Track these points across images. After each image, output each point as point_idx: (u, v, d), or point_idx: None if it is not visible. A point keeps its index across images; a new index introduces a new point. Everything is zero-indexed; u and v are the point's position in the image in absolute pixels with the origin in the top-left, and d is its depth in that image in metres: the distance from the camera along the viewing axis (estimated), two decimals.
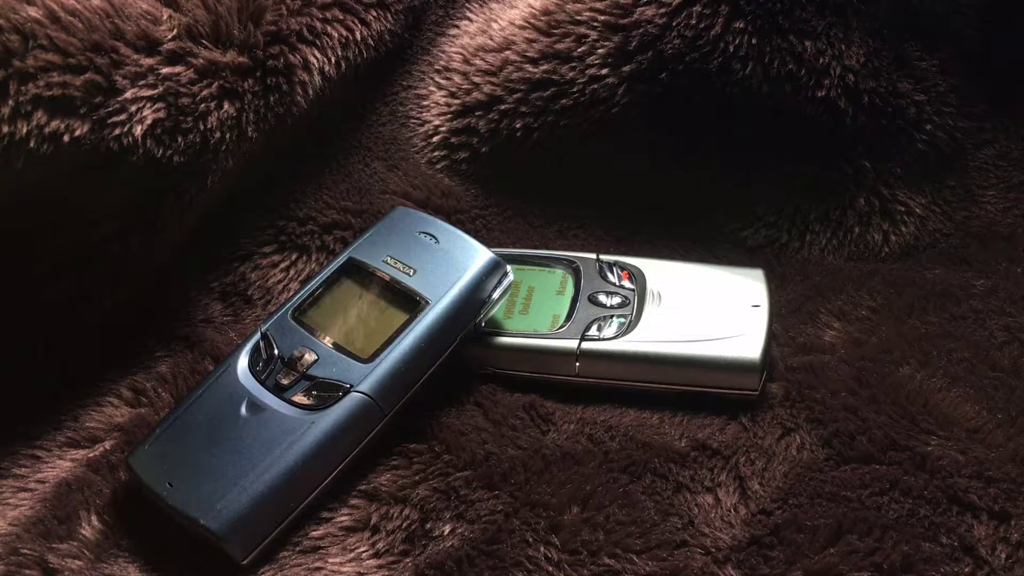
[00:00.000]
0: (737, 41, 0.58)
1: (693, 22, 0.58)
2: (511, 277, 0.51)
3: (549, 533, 0.44)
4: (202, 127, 0.50)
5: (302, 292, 0.51)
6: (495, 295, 0.50)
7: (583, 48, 0.60)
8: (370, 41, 0.59)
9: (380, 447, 0.48)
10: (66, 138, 0.46)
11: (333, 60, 0.56)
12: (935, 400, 0.50)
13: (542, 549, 0.44)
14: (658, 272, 0.55)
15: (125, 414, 0.51)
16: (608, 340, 0.51)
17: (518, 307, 0.53)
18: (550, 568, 0.43)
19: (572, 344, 0.51)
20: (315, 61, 0.55)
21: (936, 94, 0.61)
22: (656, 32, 0.58)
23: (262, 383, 0.47)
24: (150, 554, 0.45)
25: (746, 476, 0.47)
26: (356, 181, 0.61)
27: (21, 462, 0.49)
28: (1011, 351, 0.53)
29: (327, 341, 0.48)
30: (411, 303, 0.49)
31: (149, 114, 0.48)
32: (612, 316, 0.52)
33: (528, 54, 0.61)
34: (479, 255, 0.50)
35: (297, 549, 0.45)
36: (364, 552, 0.45)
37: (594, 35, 0.59)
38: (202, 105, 0.50)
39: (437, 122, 0.64)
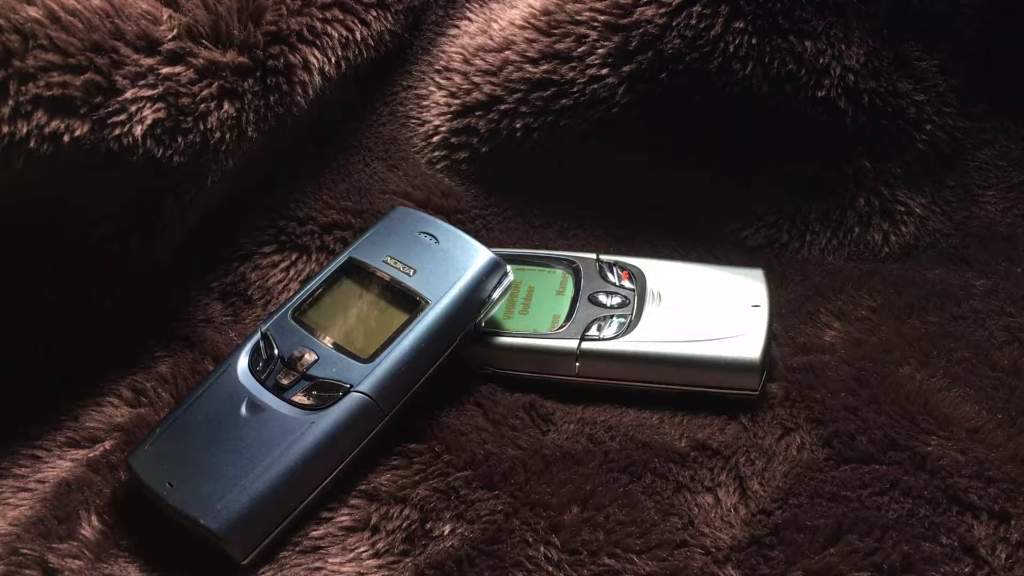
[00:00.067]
0: (737, 41, 0.58)
1: (693, 22, 0.58)
2: (511, 277, 0.51)
3: (549, 533, 0.44)
4: (202, 127, 0.50)
5: (302, 292, 0.51)
6: (495, 295, 0.50)
7: (583, 48, 0.60)
8: (370, 41, 0.59)
9: (380, 447, 0.48)
10: (66, 138, 0.46)
11: (333, 60, 0.56)
12: (935, 400, 0.50)
13: (542, 549, 0.44)
14: (658, 272, 0.55)
15: (125, 414, 0.51)
16: (608, 340, 0.51)
17: (518, 307, 0.53)
18: (550, 568, 0.43)
19: (572, 344, 0.51)
20: (315, 61, 0.55)
21: (936, 94, 0.61)
22: (656, 32, 0.58)
23: (262, 383, 0.47)
24: (150, 554, 0.45)
25: (746, 476, 0.47)
26: (356, 181, 0.61)
27: (21, 462, 0.49)
28: (1011, 351, 0.53)
29: (327, 341, 0.48)
30: (411, 303, 0.49)
31: (149, 114, 0.48)
32: (612, 316, 0.52)
33: (528, 54, 0.61)
34: (479, 255, 0.50)
35: (297, 549, 0.45)
36: (364, 552, 0.45)
37: (594, 35, 0.59)
38: (202, 105, 0.50)
39: (437, 122, 0.64)
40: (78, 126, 0.46)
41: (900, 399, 0.50)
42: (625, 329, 0.51)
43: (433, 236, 0.51)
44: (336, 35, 0.57)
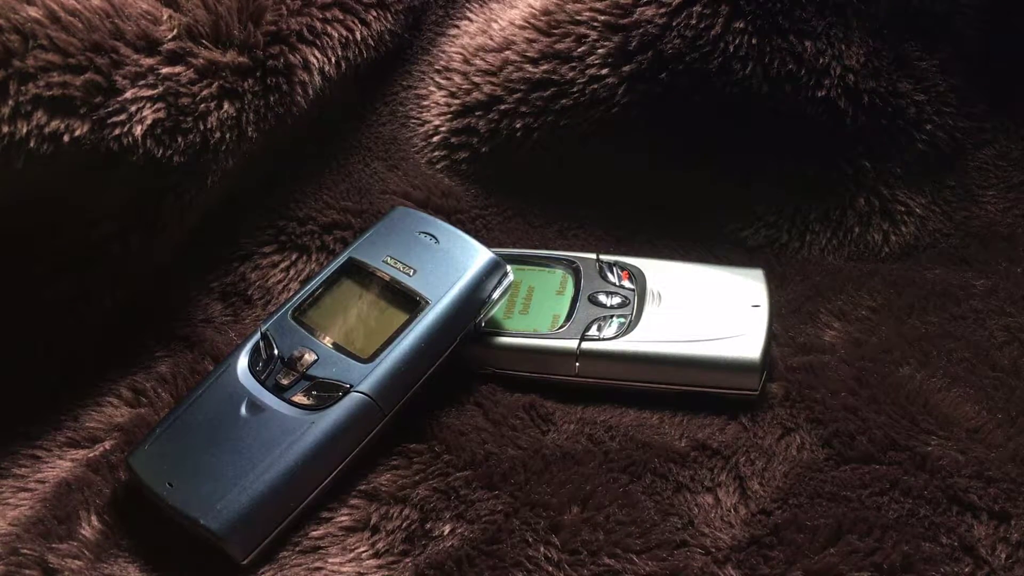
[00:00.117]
0: (737, 41, 0.58)
1: (693, 22, 0.58)
2: (511, 277, 0.51)
3: (549, 533, 0.44)
4: (202, 127, 0.50)
5: (302, 292, 0.51)
6: (495, 295, 0.50)
7: (583, 48, 0.60)
8: (370, 41, 0.59)
9: (380, 447, 0.48)
10: (66, 138, 0.46)
11: (333, 60, 0.56)
12: (935, 400, 0.50)
13: (542, 549, 0.44)
14: (658, 272, 0.55)
15: (125, 414, 0.51)
16: (608, 340, 0.51)
17: (518, 307, 0.53)
18: (550, 568, 0.43)
19: (572, 344, 0.51)
20: (315, 61, 0.55)
21: (936, 94, 0.61)
22: (656, 32, 0.58)
23: (262, 383, 0.47)
24: (150, 554, 0.45)
25: (746, 476, 0.47)
26: (356, 181, 0.61)
27: (21, 462, 0.49)
28: (1011, 351, 0.53)
29: (327, 341, 0.48)
30: (411, 303, 0.49)
31: (149, 114, 0.48)
32: (612, 316, 0.52)
33: (528, 54, 0.61)
34: (479, 255, 0.50)
35: (297, 549, 0.45)
36: (364, 552, 0.45)
37: (594, 35, 0.59)
38: (202, 105, 0.50)
39: (437, 122, 0.64)
40: (78, 126, 0.46)
41: (900, 399, 0.50)
42: (625, 329, 0.51)
43: (433, 236, 0.51)
44: (336, 35, 0.57)
